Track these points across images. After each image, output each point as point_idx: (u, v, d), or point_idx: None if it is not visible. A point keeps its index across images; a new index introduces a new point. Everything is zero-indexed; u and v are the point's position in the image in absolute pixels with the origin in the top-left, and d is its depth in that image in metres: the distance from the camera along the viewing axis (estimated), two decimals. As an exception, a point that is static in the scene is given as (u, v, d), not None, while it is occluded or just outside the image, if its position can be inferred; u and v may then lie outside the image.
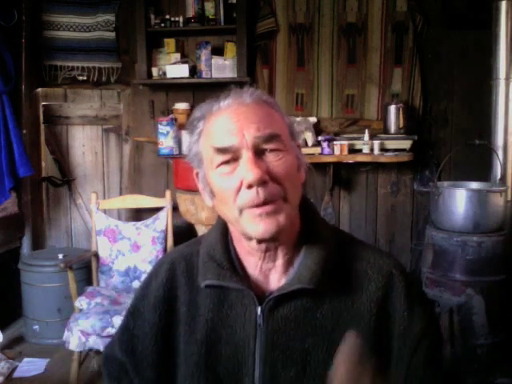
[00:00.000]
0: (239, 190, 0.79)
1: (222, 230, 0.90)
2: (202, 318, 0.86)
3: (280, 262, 0.86)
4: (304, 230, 0.87)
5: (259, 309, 0.83)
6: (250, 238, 0.82)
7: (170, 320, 0.89)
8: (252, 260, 0.87)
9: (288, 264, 0.86)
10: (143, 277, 2.82)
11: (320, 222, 0.90)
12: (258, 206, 0.78)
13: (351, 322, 0.83)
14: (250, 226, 0.79)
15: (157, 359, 0.89)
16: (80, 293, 2.61)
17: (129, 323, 0.93)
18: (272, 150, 0.80)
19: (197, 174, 0.88)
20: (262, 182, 0.77)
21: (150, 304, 0.91)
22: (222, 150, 0.79)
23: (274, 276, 0.87)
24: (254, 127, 0.79)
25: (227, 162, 0.80)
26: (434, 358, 0.84)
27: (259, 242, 0.82)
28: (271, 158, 0.80)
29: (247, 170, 0.77)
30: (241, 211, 0.79)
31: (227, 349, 0.84)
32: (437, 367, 0.84)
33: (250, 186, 0.77)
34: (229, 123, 0.80)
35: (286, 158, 0.81)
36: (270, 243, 0.83)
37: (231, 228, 0.89)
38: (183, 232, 3.11)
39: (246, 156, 0.78)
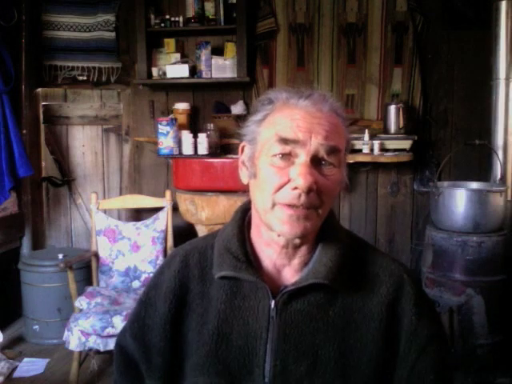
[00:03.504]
0: (282, 186, 0.80)
1: (239, 223, 0.92)
2: (214, 309, 0.87)
3: (296, 261, 0.88)
4: (322, 232, 0.89)
5: (273, 302, 0.85)
6: (271, 230, 0.84)
7: (180, 310, 0.90)
8: (268, 252, 0.88)
9: (303, 264, 0.88)
10: (143, 277, 2.82)
11: (337, 226, 0.92)
12: (291, 206, 0.80)
13: (361, 323, 0.85)
14: (278, 222, 0.81)
15: (164, 347, 0.90)
16: (80, 293, 2.61)
17: (140, 312, 0.95)
18: (328, 164, 0.81)
19: (243, 147, 0.89)
20: (308, 191, 0.78)
21: (161, 294, 0.92)
22: (284, 141, 0.80)
23: (288, 272, 0.88)
24: (324, 135, 0.80)
25: (283, 155, 0.80)
26: (439, 364, 0.85)
27: (279, 234, 0.84)
28: (324, 172, 0.81)
29: (300, 174, 0.78)
30: (274, 205, 0.81)
31: (239, 340, 0.85)
32: (442, 374, 0.85)
33: (295, 188, 0.79)
34: (301, 121, 0.81)
35: (337, 177, 0.83)
36: (289, 240, 0.84)
37: (254, 214, 0.90)
38: (183, 232, 3.11)
39: (303, 159, 0.80)
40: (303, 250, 0.87)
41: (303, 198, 0.79)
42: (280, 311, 0.84)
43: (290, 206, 0.80)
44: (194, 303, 0.90)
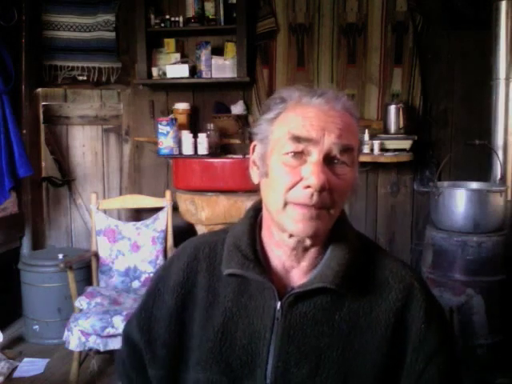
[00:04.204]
0: (295, 185, 0.79)
1: (251, 222, 0.92)
2: (221, 306, 0.87)
3: (304, 263, 0.87)
4: (332, 234, 0.87)
5: (279, 303, 0.84)
6: (283, 230, 0.83)
7: (186, 303, 0.90)
8: (278, 253, 0.88)
9: (312, 265, 0.87)
10: (143, 277, 2.82)
11: (347, 227, 0.91)
12: (304, 206, 0.79)
13: (368, 328, 0.83)
14: (290, 221, 0.81)
15: (169, 340, 0.90)
16: (80, 293, 2.61)
17: (148, 302, 0.95)
18: (340, 163, 0.81)
19: (254, 146, 0.89)
20: (321, 190, 0.78)
21: (169, 286, 0.92)
22: (297, 139, 0.79)
23: (297, 274, 0.88)
24: (337, 133, 0.79)
25: (295, 154, 0.80)
26: (446, 375, 0.83)
27: (291, 236, 0.83)
28: (337, 171, 0.80)
29: (313, 172, 0.77)
30: (286, 204, 0.80)
31: (243, 339, 0.85)
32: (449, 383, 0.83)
33: (308, 187, 0.78)
34: (314, 119, 0.80)
35: (349, 176, 0.82)
36: (300, 242, 0.84)
37: (265, 214, 0.89)
38: (183, 232, 3.11)
39: (316, 158, 0.79)
40: (313, 252, 0.86)
41: (315, 197, 0.78)
42: (285, 313, 0.84)
43: (302, 205, 0.79)
44: (200, 297, 0.90)
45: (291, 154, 0.80)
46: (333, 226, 0.86)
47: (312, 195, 0.78)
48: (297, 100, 0.83)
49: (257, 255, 0.88)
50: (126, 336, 0.99)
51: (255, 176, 0.88)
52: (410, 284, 0.86)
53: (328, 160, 0.80)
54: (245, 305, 0.86)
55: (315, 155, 0.79)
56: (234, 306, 0.87)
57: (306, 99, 0.82)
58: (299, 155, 0.80)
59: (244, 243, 0.88)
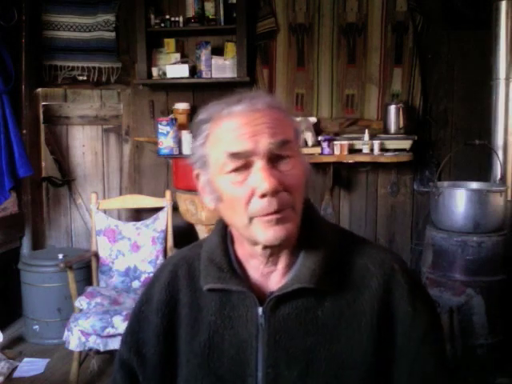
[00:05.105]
0: (250, 198, 0.78)
1: (222, 233, 0.91)
2: (206, 321, 0.87)
3: (280, 266, 0.86)
4: (304, 231, 0.87)
5: (260, 309, 0.84)
6: (255, 243, 0.83)
7: (171, 322, 0.90)
8: (253, 263, 0.87)
9: (289, 266, 0.86)
10: (143, 277, 2.82)
11: (320, 222, 0.90)
12: (267, 214, 0.78)
13: (353, 319, 0.83)
14: (260, 232, 0.80)
15: (160, 359, 0.90)
16: (80, 293, 2.61)
17: (134, 326, 0.95)
18: (284, 157, 0.80)
19: (197, 175, 0.87)
20: (275, 192, 0.77)
21: (153, 307, 0.92)
22: (234, 155, 0.78)
23: (275, 277, 0.87)
24: (269, 133, 0.78)
25: (238, 169, 0.79)
26: (440, 352, 0.84)
27: (264, 247, 0.82)
28: (283, 168, 0.80)
29: (262, 179, 0.77)
30: (251, 219, 0.80)
31: (230, 350, 0.85)
32: (443, 362, 0.84)
33: (263, 196, 0.77)
34: (242, 128, 0.79)
35: (298, 169, 0.81)
36: (274, 248, 0.83)
37: (233, 231, 0.89)
38: (183, 232, 3.11)
39: (260, 164, 0.78)
40: (287, 253, 0.85)
41: (274, 202, 0.77)
42: (268, 318, 0.83)
43: (265, 215, 0.78)
44: (184, 314, 0.90)
45: (234, 171, 0.79)
46: (304, 224, 0.86)
47: (270, 202, 0.77)
48: (218, 116, 0.82)
49: (232, 266, 0.87)
50: (120, 357, 0.97)
51: (210, 203, 0.87)
52: (391, 267, 0.85)
53: (271, 160, 0.79)
54: (228, 316, 0.86)
55: (258, 162, 0.78)
56: (218, 319, 0.86)
57: (227, 110, 0.81)
58: (243, 169, 0.79)
59: (218, 256, 0.88)
